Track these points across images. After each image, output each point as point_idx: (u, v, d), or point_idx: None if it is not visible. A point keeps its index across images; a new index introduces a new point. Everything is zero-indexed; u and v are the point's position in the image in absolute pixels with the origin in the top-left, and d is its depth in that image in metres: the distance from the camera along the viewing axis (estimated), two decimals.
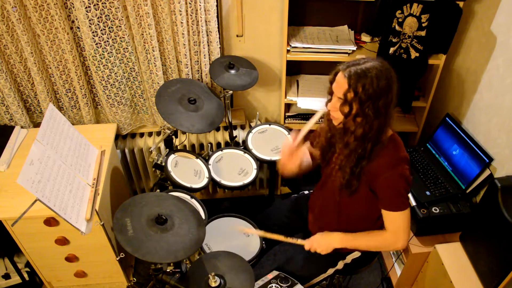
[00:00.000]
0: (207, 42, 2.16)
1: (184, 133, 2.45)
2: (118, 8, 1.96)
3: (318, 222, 1.72)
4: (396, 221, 1.44)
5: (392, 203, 1.42)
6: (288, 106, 2.52)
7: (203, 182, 1.99)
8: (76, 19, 1.98)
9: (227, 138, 2.45)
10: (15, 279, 2.18)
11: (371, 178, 1.41)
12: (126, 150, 2.45)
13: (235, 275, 1.51)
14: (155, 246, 1.38)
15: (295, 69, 2.50)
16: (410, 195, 2.03)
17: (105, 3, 1.96)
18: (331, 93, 1.39)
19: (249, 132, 2.31)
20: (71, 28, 2.02)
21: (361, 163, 1.40)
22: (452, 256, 1.87)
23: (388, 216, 1.45)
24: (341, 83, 1.31)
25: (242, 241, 1.87)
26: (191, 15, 2.05)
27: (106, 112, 2.33)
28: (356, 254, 1.67)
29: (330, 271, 1.70)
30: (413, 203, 2.00)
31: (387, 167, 1.38)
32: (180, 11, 1.98)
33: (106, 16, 2.00)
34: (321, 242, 1.57)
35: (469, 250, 1.86)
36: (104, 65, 2.12)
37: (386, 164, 1.38)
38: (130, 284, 1.90)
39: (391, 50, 2.11)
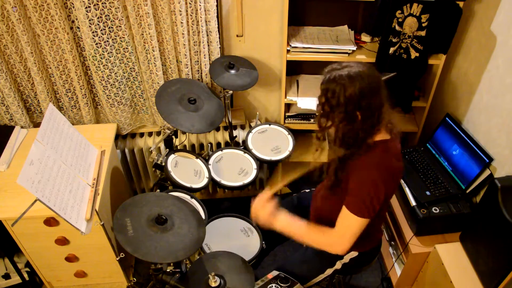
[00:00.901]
0: (207, 42, 2.16)
1: (184, 133, 2.45)
2: (118, 8, 1.96)
3: (317, 221, 1.72)
4: (348, 223, 1.40)
5: (352, 203, 1.39)
6: (288, 106, 2.52)
7: (203, 182, 1.99)
8: (76, 19, 1.98)
9: (227, 138, 2.46)
10: (15, 279, 2.18)
11: (349, 173, 1.42)
12: (126, 150, 2.45)
13: (235, 275, 1.51)
14: (155, 246, 1.38)
15: (295, 69, 2.50)
16: (410, 195, 2.04)
17: (105, 3, 1.96)
18: None
19: (249, 132, 2.31)
20: (71, 28, 2.02)
21: (343, 166, 1.42)
22: (452, 256, 1.87)
23: (344, 215, 1.41)
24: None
25: (242, 241, 1.87)
26: (191, 15, 2.05)
27: (106, 112, 2.33)
28: (354, 254, 1.67)
29: (329, 271, 1.70)
30: (413, 203, 2.01)
31: (363, 166, 1.38)
32: (180, 11, 1.99)
33: (106, 16, 2.00)
34: (266, 214, 1.51)
35: (469, 250, 1.86)
36: (104, 65, 2.13)
37: (365, 163, 1.38)
38: (130, 284, 1.90)
39: (391, 50, 2.12)
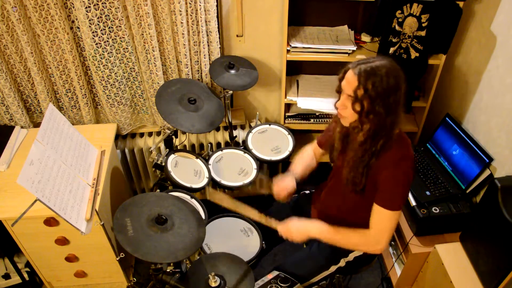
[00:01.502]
0: (207, 42, 2.16)
1: (184, 133, 2.45)
2: (118, 8, 1.96)
3: (321, 216, 1.72)
4: (385, 220, 1.41)
5: (387, 199, 1.39)
6: (288, 106, 2.52)
7: (203, 182, 1.99)
8: (76, 19, 1.98)
9: (227, 138, 2.45)
10: (15, 279, 2.18)
11: (376, 172, 1.41)
12: (126, 150, 2.45)
13: (235, 275, 1.51)
14: (155, 246, 1.38)
15: (295, 69, 2.50)
16: (410, 195, 2.04)
17: (105, 3, 1.96)
18: (339, 91, 1.39)
19: (249, 132, 2.31)
20: (71, 28, 2.02)
21: (372, 161, 1.40)
22: (452, 256, 1.87)
23: (378, 214, 1.42)
24: (351, 80, 1.31)
25: (242, 241, 1.87)
26: (191, 15, 2.05)
27: (106, 112, 2.33)
28: (358, 252, 1.67)
29: (333, 268, 1.70)
30: (413, 203, 2.01)
31: (392, 162, 1.37)
32: (180, 11, 1.99)
33: (106, 16, 2.00)
34: (298, 228, 1.53)
35: (469, 250, 1.86)
36: (104, 65, 2.12)
37: (392, 159, 1.37)
38: (130, 284, 1.90)
39: (391, 50, 2.11)
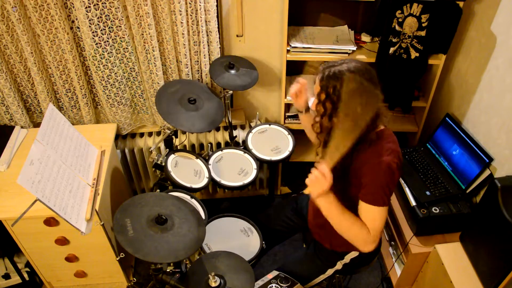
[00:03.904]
0: (207, 42, 2.16)
1: (184, 133, 2.46)
2: (118, 8, 1.96)
3: (317, 219, 1.72)
4: (373, 218, 1.36)
5: (372, 194, 1.35)
6: (288, 106, 2.52)
7: (203, 182, 1.99)
8: (76, 19, 1.98)
9: (227, 138, 2.45)
10: (15, 279, 2.19)
11: (357, 171, 1.39)
12: (126, 150, 2.45)
13: (235, 275, 1.51)
14: (156, 246, 1.38)
15: (295, 69, 2.50)
16: (410, 195, 2.04)
17: (105, 3, 1.96)
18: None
19: (249, 132, 2.31)
20: (71, 28, 2.02)
21: (345, 163, 1.38)
22: (452, 256, 1.87)
23: (366, 211, 1.37)
24: (316, 84, 1.36)
25: (242, 241, 1.87)
26: (191, 15, 2.05)
27: (106, 112, 2.33)
28: (354, 254, 1.67)
29: (330, 271, 1.70)
30: (413, 203, 2.01)
31: (373, 156, 1.35)
32: (180, 11, 1.99)
33: (106, 16, 2.00)
34: (321, 187, 1.35)
35: (469, 250, 1.86)
36: (104, 65, 2.12)
37: (373, 153, 1.36)
38: (130, 284, 1.90)
39: (391, 50, 2.12)
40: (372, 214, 1.37)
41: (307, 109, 1.70)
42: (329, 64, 1.35)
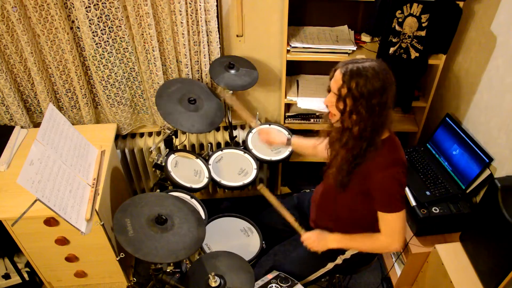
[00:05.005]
0: (207, 42, 2.16)
1: (184, 133, 2.46)
2: (118, 8, 1.96)
3: (318, 220, 1.72)
4: (390, 223, 1.44)
5: (385, 204, 1.42)
6: (288, 106, 2.52)
7: (203, 182, 1.99)
8: (76, 19, 1.98)
9: (227, 138, 2.45)
10: (15, 279, 2.18)
11: (363, 180, 1.42)
12: (126, 150, 2.45)
13: (235, 275, 1.51)
14: (156, 246, 1.38)
15: (295, 69, 2.50)
16: (410, 195, 2.04)
17: (105, 3, 1.96)
18: (329, 89, 1.41)
19: (249, 132, 2.31)
20: (71, 28, 2.02)
21: (356, 162, 1.40)
22: (452, 256, 1.87)
23: (383, 218, 1.45)
24: (337, 79, 1.34)
25: (242, 241, 1.87)
26: (191, 15, 2.05)
27: (106, 112, 2.33)
28: (355, 250, 1.68)
29: (330, 265, 1.70)
30: (413, 203, 2.01)
31: (379, 168, 1.38)
32: (180, 11, 1.99)
33: (106, 16, 2.00)
34: (318, 241, 1.58)
35: (469, 250, 1.86)
36: (104, 65, 2.13)
37: (379, 165, 1.38)
38: (130, 284, 1.90)
39: (391, 50, 2.11)
40: (389, 220, 1.45)
41: (288, 140, 1.85)
42: (352, 60, 1.35)
